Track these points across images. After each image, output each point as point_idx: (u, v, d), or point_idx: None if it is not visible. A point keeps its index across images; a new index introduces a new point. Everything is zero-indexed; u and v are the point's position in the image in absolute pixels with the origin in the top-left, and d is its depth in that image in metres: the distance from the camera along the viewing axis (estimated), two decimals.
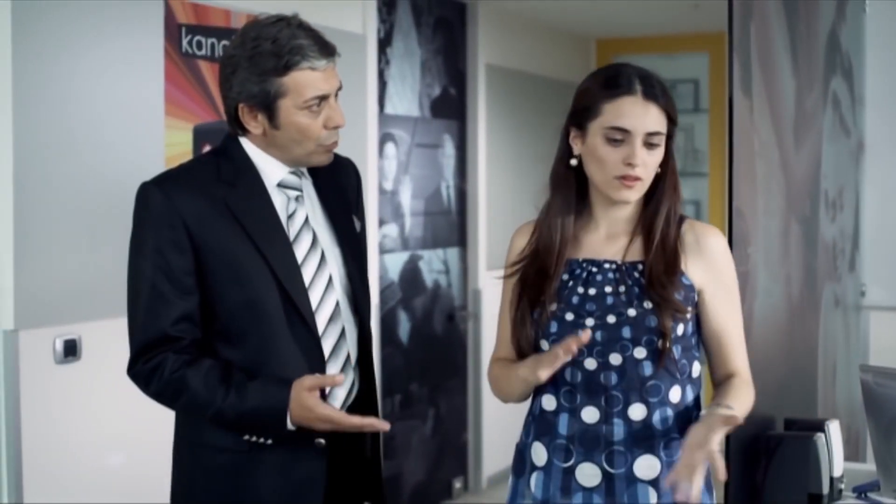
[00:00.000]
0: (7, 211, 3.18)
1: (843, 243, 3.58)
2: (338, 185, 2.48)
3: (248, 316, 2.27)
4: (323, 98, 2.28)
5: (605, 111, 2.18)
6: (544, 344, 2.23)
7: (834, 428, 2.62)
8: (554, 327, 2.21)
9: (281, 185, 2.35)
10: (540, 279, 2.25)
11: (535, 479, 2.26)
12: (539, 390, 2.27)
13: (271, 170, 2.34)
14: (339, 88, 2.33)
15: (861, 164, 3.89)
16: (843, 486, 2.63)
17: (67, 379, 3.36)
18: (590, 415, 2.18)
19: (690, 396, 2.20)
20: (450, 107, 5.72)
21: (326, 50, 2.28)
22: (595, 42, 7.27)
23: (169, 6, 3.70)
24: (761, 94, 2.66)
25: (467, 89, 5.85)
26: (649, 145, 2.16)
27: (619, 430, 2.16)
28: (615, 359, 2.16)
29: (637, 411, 2.16)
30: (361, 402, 2.40)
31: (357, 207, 2.54)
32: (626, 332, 2.15)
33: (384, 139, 5.12)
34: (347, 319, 2.37)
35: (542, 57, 6.56)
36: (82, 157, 3.41)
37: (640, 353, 2.15)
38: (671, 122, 2.20)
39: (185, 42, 3.77)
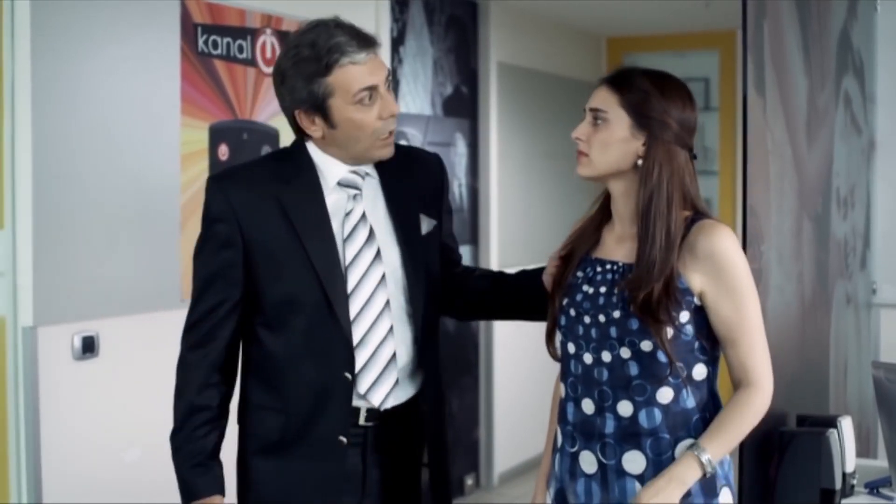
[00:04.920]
0: (26, 209, 3.22)
1: (854, 241, 3.59)
2: (411, 184, 2.50)
3: (288, 309, 2.34)
4: (371, 89, 2.31)
5: None
6: (558, 334, 2.34)
7: (846, 424, 2.63)
8: (562, 320, 2.32)
9: (341, 184, 2.40)
10: (563, 269, 2.36)
11: (556, 459, 2.36)
12: (560, 375, 2.37)
13: (332, 169, 2.39)
14: (389, 77, 2.36)
15: (872, 163, 3.90)
16: (855, 481, 2.64)
17: (85, 375, 3.39)
18: (587, 406, 2.27)
19: (690, 399, 2.22)
20: (462, 105, 5.74)
21: (366, 42, 2.32)
22: (606, 40, 7.29)
23: (185, 6, 3.73)
24: (774, 93, 2.67)
25: (479, 88, 5.87)
26: (594, 122, 2.26)
27: (609, 423, 2.24)
28: (606, 356, 2.23)
29: (624, 408, 2.22)
30: (410, 405, 2.44)
31: (433, 206, 2.54)
32: (613, 332, 2.22)
33: (397, 137, 5.12)
34: (399, 318, 2.41)
35: (553, 55, 6.58)
36: (100, 155, 3.44)
37: (625, 353, 2.21)
38: (635, 111, 2.23)
39: (201, 41, 3.80)
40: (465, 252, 5.81)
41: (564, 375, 2.34)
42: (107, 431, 3.46)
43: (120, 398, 3.50)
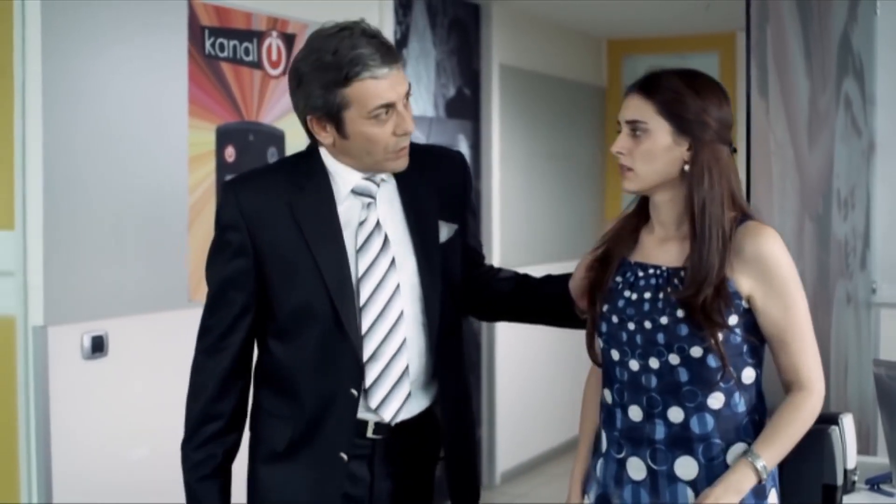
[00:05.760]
0: (37, 209, 3.25)
1: (854, 241, 3.61)
2: (430, 187, 2.42)
3: (300, 319, 2.29)
4: (389, 106, 2.24)
5: None
6: (599, 341, 2.30)
7: (847, 421, 2.64)
8: (604, 327, 2.27)
9: (354, 192, 2.34)
10: (600, 274, 2.30)
11: (599, 464, 2.33)
12: (603, 383, 2.33)
13: (345, 176, 2.33)
14: (409, 93, 2.29)
15: (872, 164, 3.93)
16: (856, 478, 2.66)
17: (94, 374, 3.42)
18: (635, 413, 2.24)
19: (741, 403, 2.20)
20: (464, 107, 5.77)
21: (389, 57, 2.24)
22: (606, 42, 7.32)
23: (193, 8, 3.76)
24: (776, 95, 2.70)
25: (481, 89, 5.91)
26: (634, 135, 2.19)
27: (659, 429, 2.21)
28: (653, 363, 2.20)
29: (675, 414, 2.20)
30: (424, 415, 2.40)
31: (455, 208, 2.46)
32: (661, 339, 2.18)
33: None
34: (413, 330, 2.35)
35: (554, 57, 6.61)
36: (109, 156, 3.47)
37: (673, 359, 2.17)
38: (674, 116, 2.18)
39: (208, 44, 3.83)
40: None
41: (609, 381, 2.29)
42: (115, 430, 3.49)
43: (128, 397, 3.53)
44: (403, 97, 2.27)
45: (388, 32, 4.95)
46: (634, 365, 2.22)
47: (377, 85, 2.22)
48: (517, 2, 5.95)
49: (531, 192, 6.28)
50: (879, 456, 3.23)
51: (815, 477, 2.54)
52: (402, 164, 2.33)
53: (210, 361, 2.33)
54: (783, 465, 2.59)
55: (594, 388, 2.43)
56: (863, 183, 3.78)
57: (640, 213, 2.32)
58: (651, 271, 2.25)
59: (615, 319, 2.25)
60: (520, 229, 6.21)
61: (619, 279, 2.28)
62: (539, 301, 2.50)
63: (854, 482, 2.64)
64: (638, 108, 2.19)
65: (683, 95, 2.19)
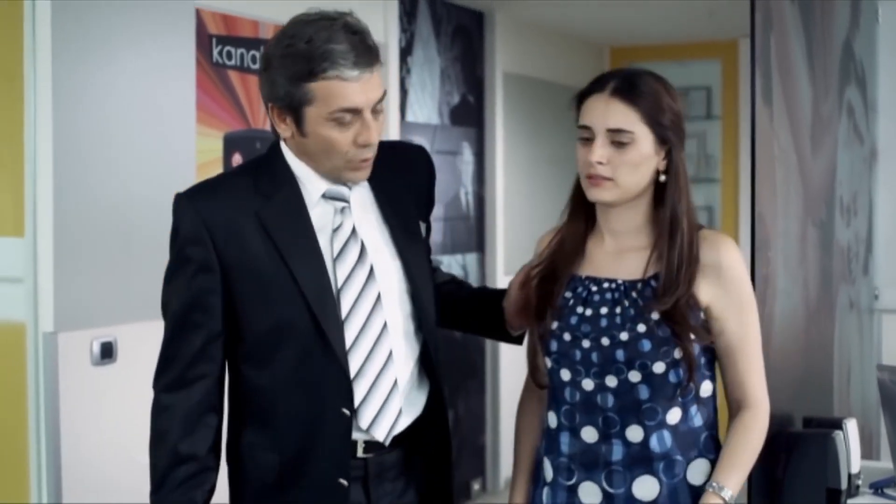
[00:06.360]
0: (47, 216, 3.27)
1: (857, 247, 3.63)
2: (403, 185, 2.27)
3: (276, 339, 2.10)
4: (353, 111, 2.06)
5: (580, 112, 2.15)
6: (547, 361, 2.18)
7: (851, 426, 2.65)
8: (554, 346, 2.15)
9: (326, 196, 2.16)
10: (545, 289, 2.17)
11: (545, 494, 2.22)
12: (546, 407, 2.23)
13: (313, 180, 2.15)
14: (380, 100, 2.10)
15: (874, 171, 3.95)
16: (860, 482, 2.68)
17: (103, 380, 3.43)
18: (589, 434, 2.13)
19: (697, 418, 2.14)
20: (468, 114, 5.80)
21: (364, 59, 2.05)
22: (609, 50, 7.34)
23: (201, 17, 3.80)
24: (780, 103, 2.72)
25: (485, 97, 5.93)
26: (617, 143, 2.07)
27: (617, 450, 2.11)
28: (611, 381, 2.10)
29: (634, 433, 2.11)
30: (417, 428, 2.25)
31: (424, 208, 2.33)
32: (620, 356, 2.08)
33: None
34: (398, 341, 2.19)
35: (557, 64, 6.64)
36: (118, 163, 3.49)
37: (634, 376, 2.08)
38: (657, 124, 2.08)
39: (215, 52, 3.86)
40: (471, 259, 5.86)
41: (556, 404, 2.18)
42: (124, 434, 3.49)
43: (136, 402, 3.51)
44: (373, 104, 2.08)
45: (394, 40, 4.98)
46: (588, 384, 2.11)
47: (343, 87, 2.04)
48: (520, 10, 5.98)
49: (534, 198, 6.30)
50: (883, 460, 3.25)
51: (819, 481, 2.55)
52: (361, 176, 2.16)
53: (178, 397, 2.11)
54: (787, 470, 2.62)
55: (531, 414, 2.32)
56: (865, 189, 3.80)
57: (584, 223, 2.21)
58: (606, 285, 2.14)
59: (567, 337, 2.13)
60: (523, 235, 6.23)
61: (568, 294, 2.16)
62: (471, 313, 2.39)
63: (858, 486, 2.65)
64: (623, 116, 2.06)
65: (662, 100, 2.08)
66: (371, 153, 2.12)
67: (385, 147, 2.23)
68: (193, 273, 2.10)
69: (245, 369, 2.15)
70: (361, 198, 2.22)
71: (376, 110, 2.10)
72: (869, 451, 3.51)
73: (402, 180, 2.27)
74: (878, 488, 2.72)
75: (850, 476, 2.60)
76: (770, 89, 2.64)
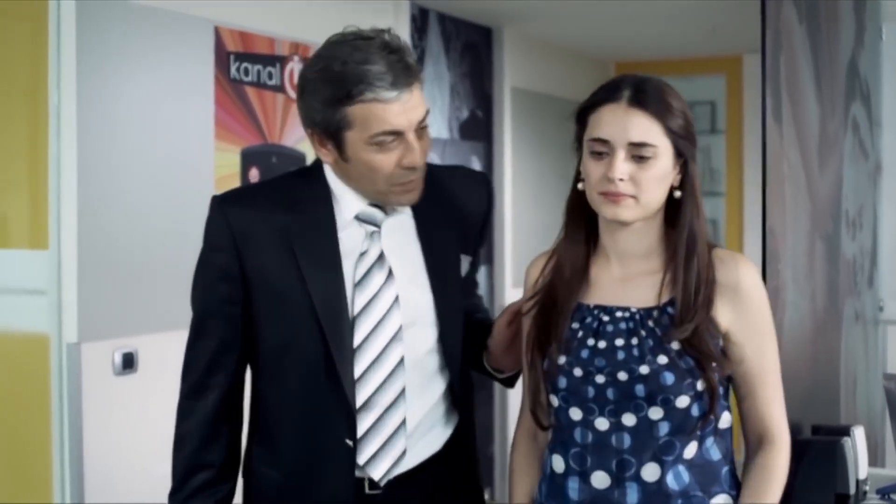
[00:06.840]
0: (71, 229, 3.32)
1: (862, 260, 3.67)
2: (451, 215, 2.14)
3: (284, 357, 2.04)
4: (395, 133, 1.96)
5: (589, 123, 1.95)
6: (553, 399, 1.97)
7: (859, 433, 2.67)
8: (563, 382, 1.94)
9: (358, 218, 2.07)
10: (547, 321, 1.97)
11: None
12: (549, 449, 2.02)
13: (349, 200, 2.06)
14: (423, 120, 1.99)
15: (878, 185, 4.01)
16: (867, 487, 2.72)
17: (125, 390, 3.48)
18: (600, 480, 1.92)
19: (714, 450, 1.95)
20: (477, 129, 5.85)
21: (403, 79, 1.94)
22: (615, 65, 7.39)
23: (219, 35, 3.86)
24: (789, 120, 2.77)
25: (493, 112, 5.97)
26: (638, 158, 1.87)
27: (632, 494, 1.91)
28: (628, 419, 1.90)
29: (651, 472, 1.90)
30: (427, 465, 2.13)
31: (473, 240, 2.19)
32: (640, 391, 1.88)
33: None
34: (415, 377, 2.06)
35: (564, 80, 6.68)
36: (141, 177, 3.55)
37: (655, 413, 1.88)
38: (677, 136, 1.90)
39: (233, 69, 3.93)
40: (480, 273, 5.89)
41: (563, 446, 1.96)
42: (145, 444, 3.53)
43: (157, 412, 3.56)
44: (415, 124, 1.98)
45: None
46: (603, 424, 1.91)
47: (383, 109, 1.93)
48: (528, 26, 6.03)
49: (542, 212, 6.35)
50: (888, 468, 3.30)
51: (828, 486, 2.56)
52: (411, 198, 2.05)
53: (195, 404, 2.09)
54: (798, 475, 2.67)
55: (528, 458, 2.12)
56: (870, 203, 3.85)
57: (586, 244, 2.00)
58: (619, 314, 1.93)
59: (578, 372, 1.92)
60: (532, 249, 6.24)
61: (575, 326, 1.95)
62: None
63: (865, 492, 2.68)
64: (646, 129, 1.87)
65: (677, 109, 1.90)
66: (417, 175, 2.02)
67: (442, 172, 2.16)
68: (214, 280, 2.07)
69: (258, 383, 2.12)
70: (401, 223, 2.11)
71: (420, 130, 2.00)
72: (874, 459, 3.56)
73: (451, 209, 2.15)
74: (884, 494, 2.76)
75: (857, 481, 2.63)
76: (780, 108, 2.69)
